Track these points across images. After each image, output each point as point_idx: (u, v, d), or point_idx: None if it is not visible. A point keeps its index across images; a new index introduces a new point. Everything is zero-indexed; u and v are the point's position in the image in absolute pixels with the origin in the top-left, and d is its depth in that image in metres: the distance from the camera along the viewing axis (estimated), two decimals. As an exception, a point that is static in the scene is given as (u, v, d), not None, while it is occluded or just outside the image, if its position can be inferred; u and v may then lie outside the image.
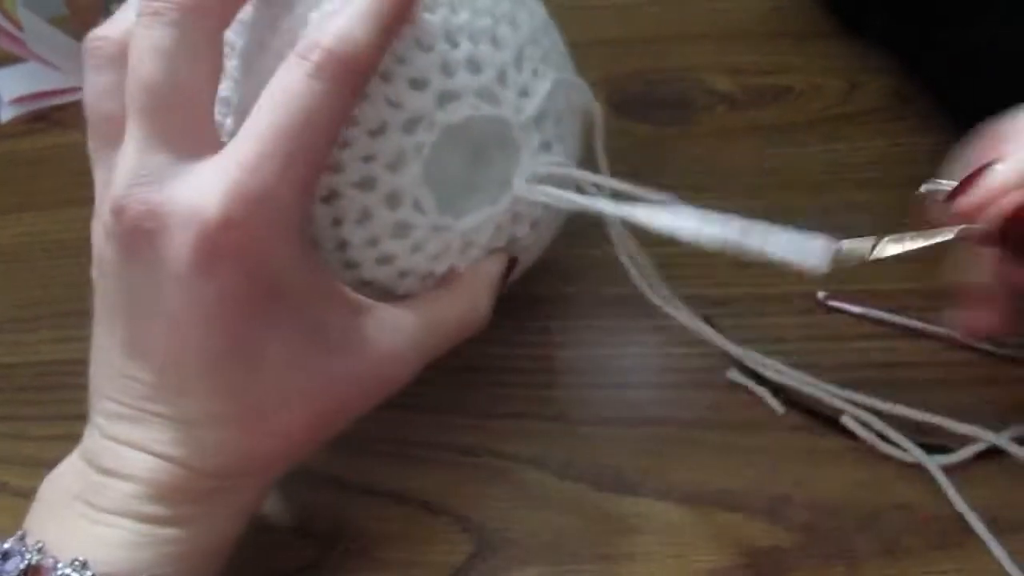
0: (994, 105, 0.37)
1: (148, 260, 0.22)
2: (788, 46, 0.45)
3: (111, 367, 0.24)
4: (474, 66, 0.27)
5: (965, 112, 0.40)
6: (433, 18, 0.26)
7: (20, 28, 0.43)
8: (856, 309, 0.34)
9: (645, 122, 0.42)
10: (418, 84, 0.26)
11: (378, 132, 0.26)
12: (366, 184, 0.26)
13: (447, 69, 0.26)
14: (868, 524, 0.29)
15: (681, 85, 0.44)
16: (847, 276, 0.35)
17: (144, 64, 0.23)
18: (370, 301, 0.26)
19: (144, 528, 0.23)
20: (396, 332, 0.26)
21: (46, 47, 0.45)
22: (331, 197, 0.26)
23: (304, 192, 0.23)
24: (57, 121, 0.44)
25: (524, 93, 0.28)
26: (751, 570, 0.28)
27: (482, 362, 0.32)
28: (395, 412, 0.32)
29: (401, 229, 0.27)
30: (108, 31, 0.25)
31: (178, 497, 0.23)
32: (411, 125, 0.26)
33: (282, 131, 0.22)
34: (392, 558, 0.29)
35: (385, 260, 0.27)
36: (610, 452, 0.31)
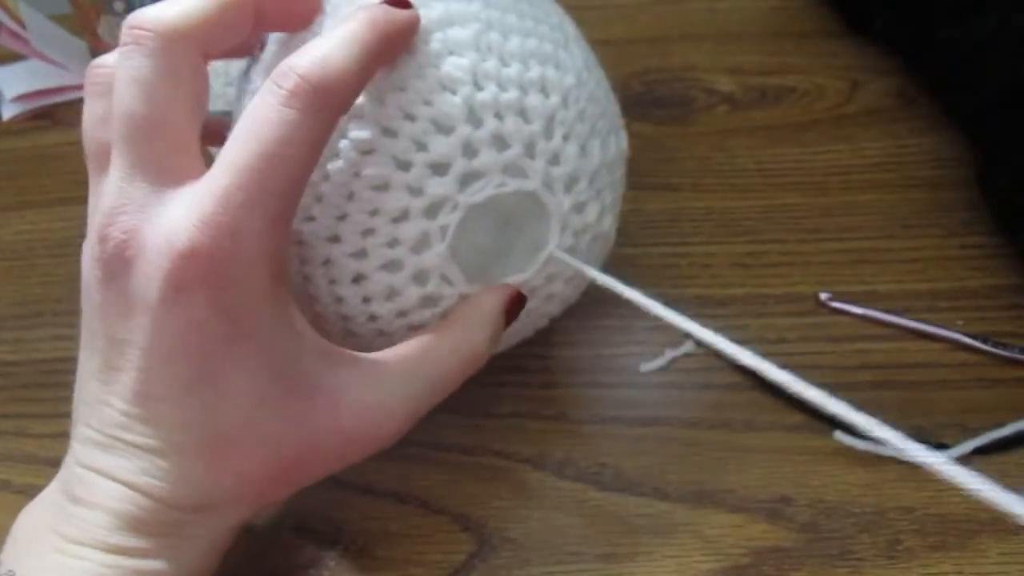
0: (996, 105, 0.37)
1: (124, 287, 0.23)
2: (789, 46, 0.45)
3: (89, 392, 0.24)
4: (500, 143, 0.26)
5: (967, 111, 0.40)
6: (454, 99, 0.25)
7: (23, 25, 0.43)
8: (857, 310, 0.34)
9: (645, 122, 0.42)
10: (439, 169, 0.25)
11: (400, 219, 0.25)
12: (392, 266, 0.26)
13: (470, 150, 0.25)
14: (869, 524, 0.29)
15: (682, 85, 0.44)
16: (849, 277, 0.35)
17: (125, 94, 0.23)
18: (350, 352, 0.25)
19: (109, 559, 0.22)
20: (378, 382, 0.25)
21: (48, 44, 0.45)
22: (359, 279, 0.26)
23: (276, 223, 0.23)
24: (59, 119, 0.44)
25: (554, 162, 0.27)
26: (752, 570, 0.28)
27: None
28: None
29: (429, 301, 0.27)
30: (108, 59, 0.25)
31: (143, 528, 0.23)
32: (434, 209, 0.25)
33: (255, 161, 0.22)
34: (392, 557, 0.29)
35: (415, 327, 0.28)
36: (610, 452, 0.31)
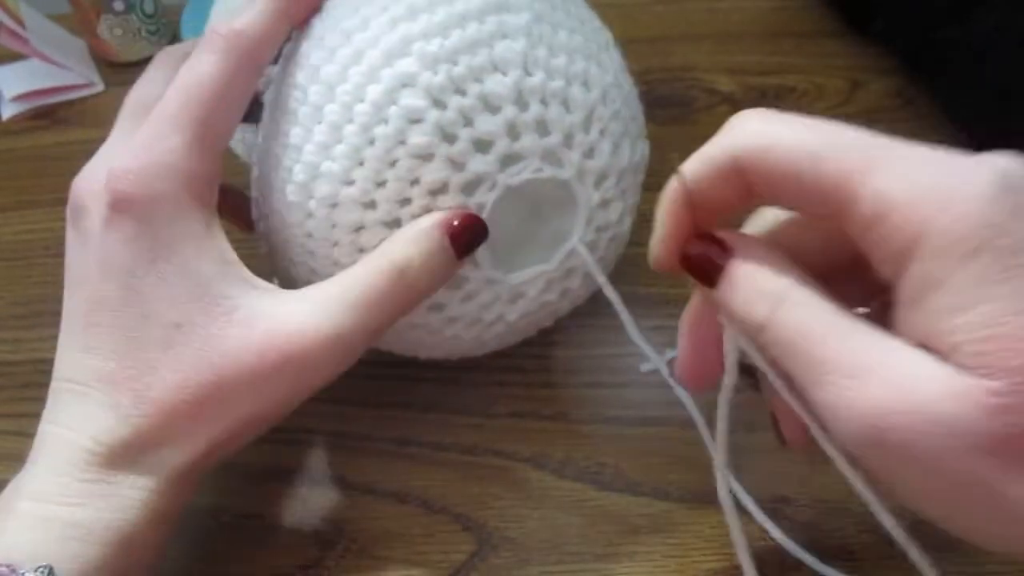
0: (996, 104, 0.37)
1: (81, 229, 0.25)
2: (789, 46, 0.45)
3: (59, 346, 0.25)
4: (542, 128, 0.26)
5: (967, 111, 0.40)
6: (505, 79, 0.26)
7: (23, 25, 0.43)
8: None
9: (646, 121, 0.42)
10: (483, 146, 0.26)
11: (439, 191, 0.26)
12: None
13: (514, 132, 0.26)
14: (869, 524, 0.29)
15: (682, 85, 0.44)
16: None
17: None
18: (275, 286, 0.25)
19: (42, 509, 0.23)
20: (292, 300, 0.25)
21: (49, 44, 0.45)
22: None
23: (197, 145, 0.25)
24: (59, 119, 0.44)
25: (589, 155, 0.27)
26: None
27: (482, 362, 0.32)
28: (395, 412, 0.32)
29: (454, 281, 0.27)
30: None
31: (75, 473, 0.23)
32: (472, 186, 0.26)
33: (174, 95, 0.25)
34: (392, 557, 0.29)
35: (436, 308, 0.28)
36: (610, 451, 0.31)
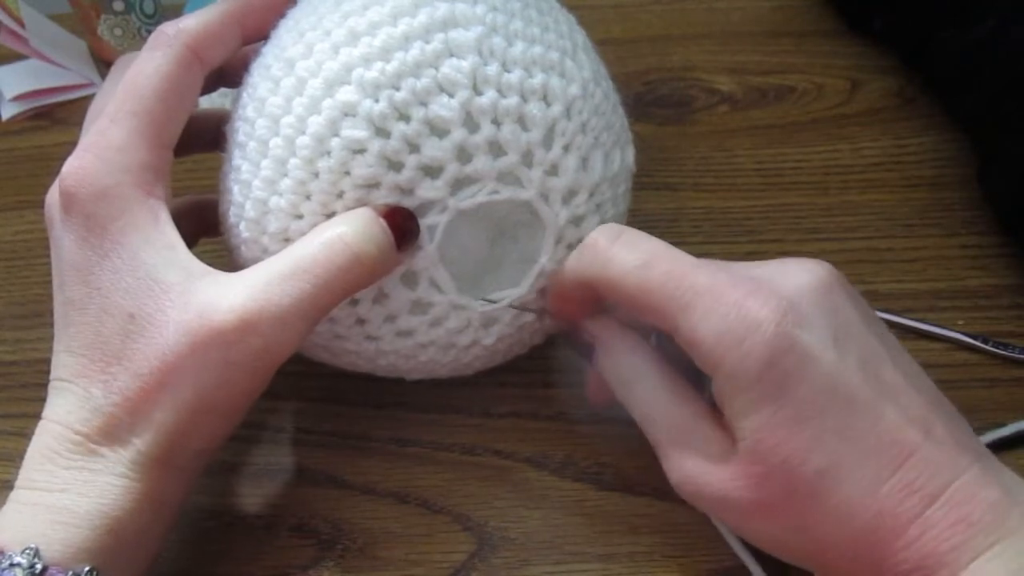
0: (996, 104, 0.37)
1: (52, 233, 0.27)
2: (789, 45, 0.45)
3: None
4: (496, 149, 0.25)
5: (967, 111, 0.40)
6: (452, 101, 0.25)
7: (23, 25, 0.43)
8: None
9: (646, 122, 0.42)
10: (432, 171, 0.25)
11: None
12: None
13: (464, 155, 0.25)
14: None
15: (682, 85, 0.44)
16: (849, 277, 0.35)
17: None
18: (223, 272, 0.25)
19: (31, 496, 0.24)
20: (227, 280, 0.25)
21: (48, 44, 0.45)
22: None
23: (139, 137, 0.26)
24: (59, 119, 0.44)
25: (552, 172, 0.26)
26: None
27: (482, 362, 0.32)
28: (395, 412, 0.32)
29: (419, 306, 0.27)
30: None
31: (59, 460, 0.24)
32: (422, 210, 0.25)
33: (119, 91, 0.26)
34: (392, 557, 0.29)
35: (404, 334, 0.27)
36: (610, 451, 0.31)
